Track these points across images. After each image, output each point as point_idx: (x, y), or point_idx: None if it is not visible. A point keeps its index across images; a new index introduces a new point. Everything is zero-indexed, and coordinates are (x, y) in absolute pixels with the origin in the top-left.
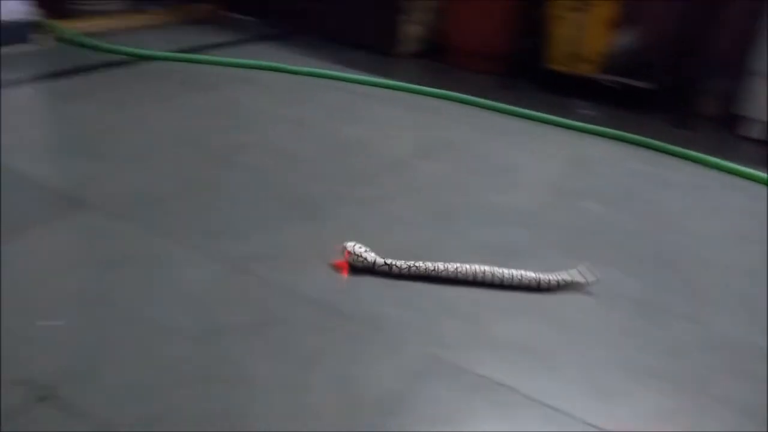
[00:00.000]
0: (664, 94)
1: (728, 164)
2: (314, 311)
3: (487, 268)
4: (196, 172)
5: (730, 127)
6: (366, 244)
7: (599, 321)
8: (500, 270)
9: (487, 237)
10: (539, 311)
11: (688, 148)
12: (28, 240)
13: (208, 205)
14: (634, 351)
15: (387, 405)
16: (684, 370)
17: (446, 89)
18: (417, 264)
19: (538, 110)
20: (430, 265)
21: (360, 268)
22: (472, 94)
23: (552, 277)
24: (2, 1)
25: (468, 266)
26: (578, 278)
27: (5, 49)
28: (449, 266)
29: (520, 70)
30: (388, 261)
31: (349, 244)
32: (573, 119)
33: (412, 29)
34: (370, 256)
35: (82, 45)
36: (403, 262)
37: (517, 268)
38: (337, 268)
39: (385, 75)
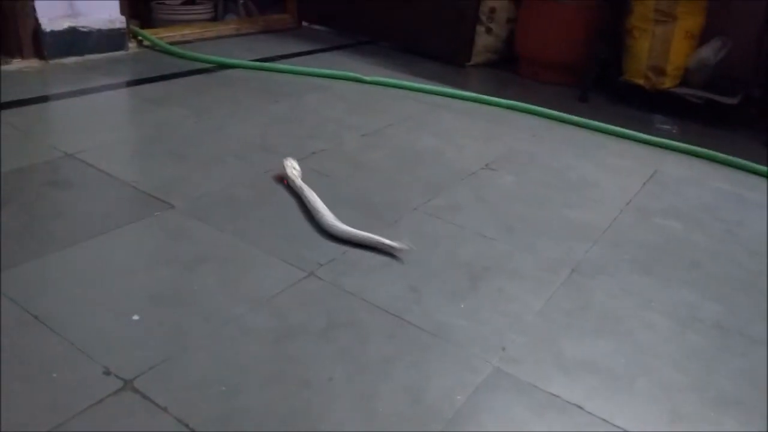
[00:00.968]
0: (751, 109)
1: None
2: (383, 318)
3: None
4: (270, 178)
5: None
6: (439, 256)
7: (674, 343)
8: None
9: (560, 253)
10: (612, 330)
11: None
12: (114, 238)
13: (283, 209)
14: (711, 375)
15: (453, 417)
16: (762, 398)
17: (519, 101)
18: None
19: (614, 124)
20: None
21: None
22: (546, 107)
23: (370, 235)
24: (101, 9)
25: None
26: (397, 245)
27: (102, 56)
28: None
29: (596, 82)
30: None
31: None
32: (652, 134)
33: (486, 39)
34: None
35: (168, 52)
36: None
37: (589, 286)
38: (277, 179)
39: (458, 85)
